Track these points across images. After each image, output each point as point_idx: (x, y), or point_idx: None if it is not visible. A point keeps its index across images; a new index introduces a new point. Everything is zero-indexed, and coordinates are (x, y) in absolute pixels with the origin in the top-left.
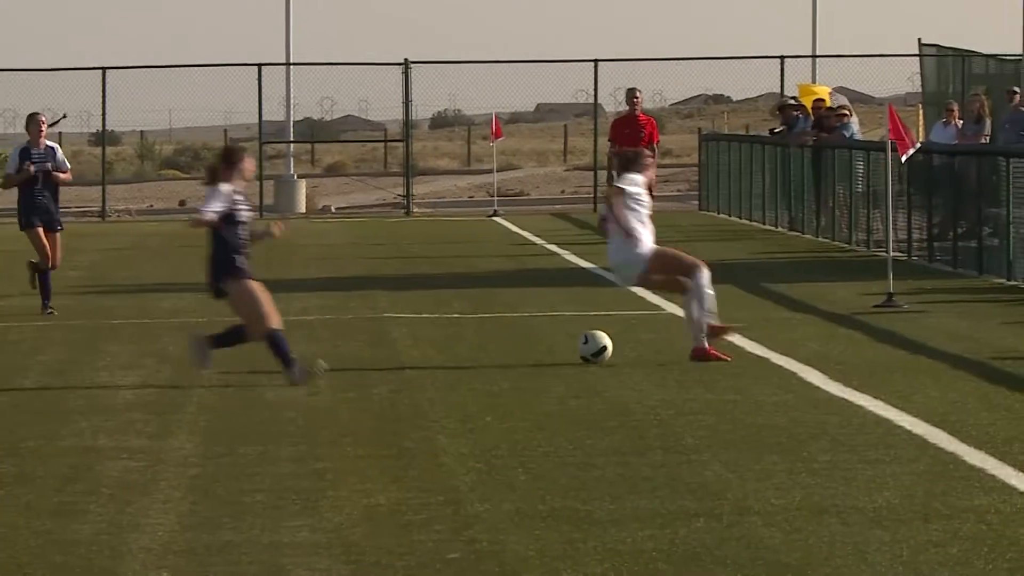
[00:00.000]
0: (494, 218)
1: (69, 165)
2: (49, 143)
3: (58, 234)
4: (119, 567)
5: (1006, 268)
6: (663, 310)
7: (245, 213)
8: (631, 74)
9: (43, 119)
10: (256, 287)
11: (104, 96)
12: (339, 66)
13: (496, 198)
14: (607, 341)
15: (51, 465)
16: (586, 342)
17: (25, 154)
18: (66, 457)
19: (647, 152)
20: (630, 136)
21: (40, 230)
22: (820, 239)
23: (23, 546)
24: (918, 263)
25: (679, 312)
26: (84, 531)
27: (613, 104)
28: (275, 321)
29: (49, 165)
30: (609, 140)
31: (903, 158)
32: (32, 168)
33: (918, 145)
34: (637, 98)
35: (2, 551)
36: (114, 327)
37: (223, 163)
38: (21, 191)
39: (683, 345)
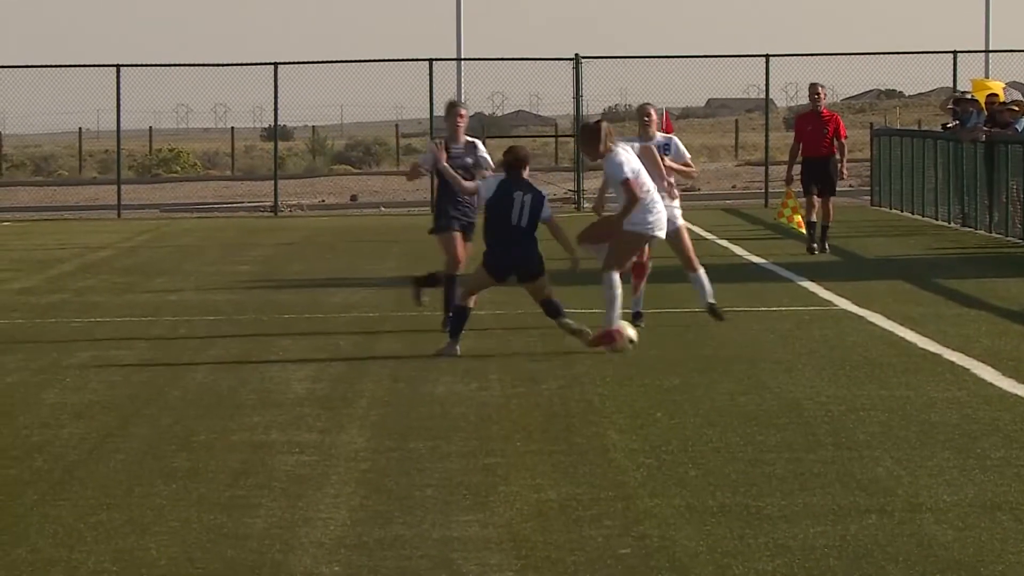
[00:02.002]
0: None
1: (492, 163)
2: (470, 138)
3: (468, 243)
4: (290, 561)
5: None
6: (835, 306)
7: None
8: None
9: (462, 110)
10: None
11: (276, 91)
12: (510, 61)
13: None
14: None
15: (223, 459)
16: None
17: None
18: (238, 451)
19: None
20: (814, 132)
21: (457, 236)
22: (993, 235)
23: (195, 540)
24: None
25: (852, 308)
26: (256, 525)
27: (784, 99)
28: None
29: (469, 161)
30: (795, 138)
31: None
32: (444, 158)
33: None
34: (819, 94)
35: (174, 545)
36: (286, 321)
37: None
38: (440, 189)
39: (855, 340)
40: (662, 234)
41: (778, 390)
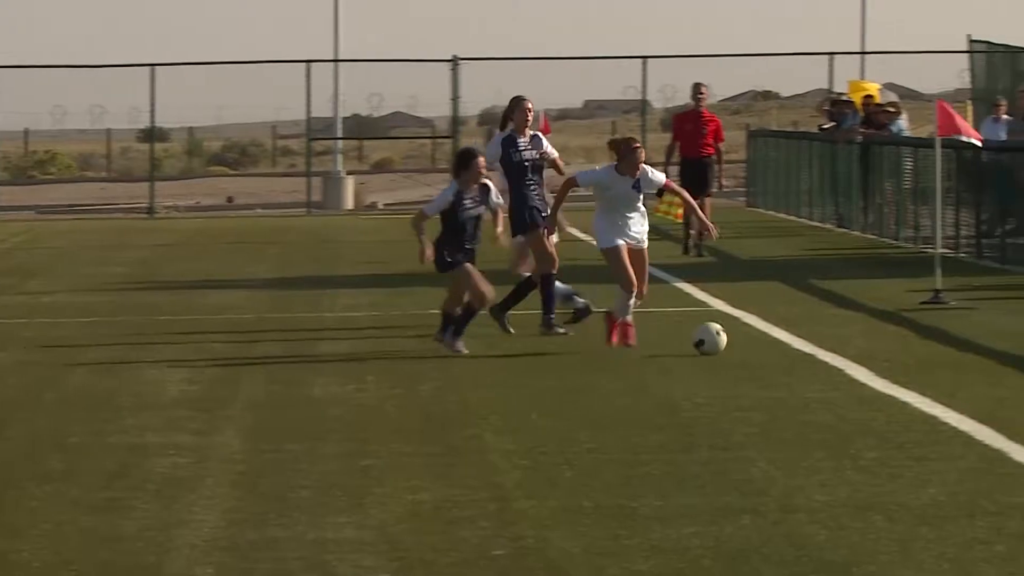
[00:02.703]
0: None
1: (557, 153)
2: (534, 132)
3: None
4: (165, 563)
5: None
6: (710, 307)
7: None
8: (679, 70)
9: (530, 103)
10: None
11: (153, 92)
12: (387, 63)
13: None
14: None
15: (98, 461)
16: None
17: (509, 142)
18: (113, 453)
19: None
20: (693, 132)
21: (541, 232)
22: (868, 235)
23: (70, 542)
24: (966, 260)
25: (728, 309)
26: (130, 527)
27: (661, 100)
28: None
29: (535, 155)
30: (673, 136)
31: (976, 141)
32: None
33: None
34: (703, 93)
35: (49, 547)
36: (162, 323)
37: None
38: (511, 186)
39: (731, 341)
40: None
41: (655, 391)
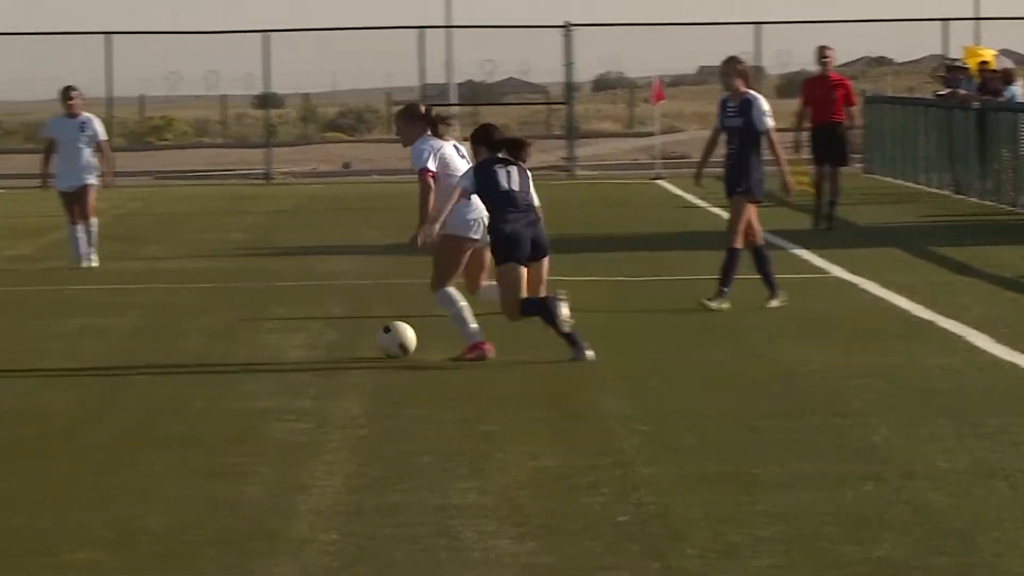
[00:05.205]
0: (657, 181)
1: (771, 123)
2: (748, 93)
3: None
4: (287, 528)
5: None
6: (828, 274)
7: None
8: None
9: (741, 66)
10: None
11: (267, 58)
12: (500, 28)
13: (659, 161)
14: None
15: (218, 427)
16: (387, 331)
17: (723, 107)
18: (233, 419)
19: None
20: (822, 98)
21: (744, 201)
22: (985, 202)
23: (192, 508)
24: None
25: (845, 275)
26: (252, 492)
27: (776, 67)
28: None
29: (740, 121)
30: (802, 102)
31: None
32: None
33: None
34: (827, 56)
35: (172, 512)
36: (278, 289)
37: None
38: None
39: (849, 308)
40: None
41: (772, 357)
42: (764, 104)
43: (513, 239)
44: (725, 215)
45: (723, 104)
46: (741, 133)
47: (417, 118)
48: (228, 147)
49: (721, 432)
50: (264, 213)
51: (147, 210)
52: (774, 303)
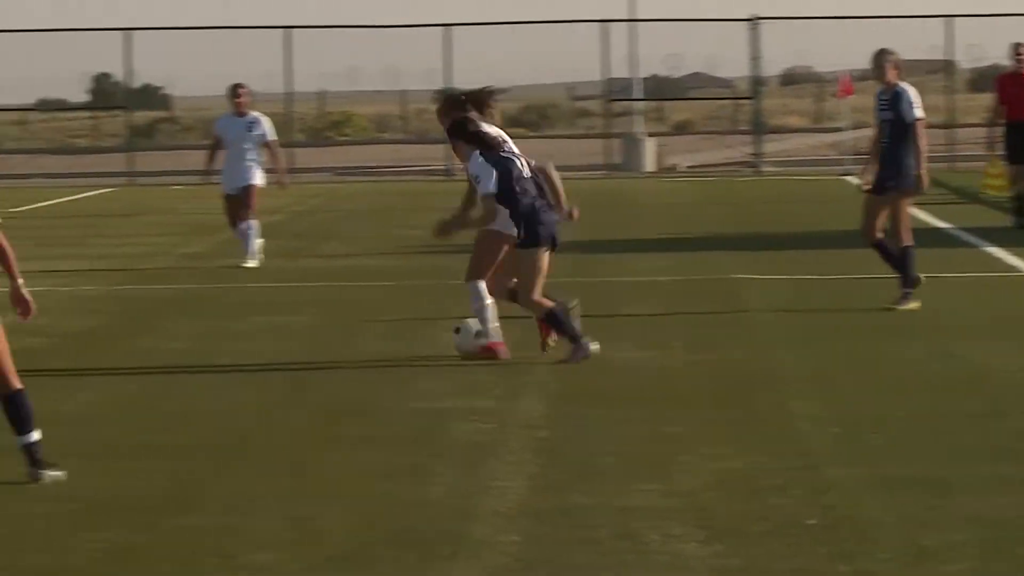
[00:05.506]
0: (845, 177)
1: (919, 114)
2: (899, 85)
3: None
4: (470, 530)
5: None
6: (1021, 272)
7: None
8: (985, 30)
9: (893, 57)
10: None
11: (448, 53)
12: (685, 22)
13: (847, 157)
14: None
15: (397, 426)
16: (458, 332)
17: (877, 100)
18: (412, 418)
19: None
20: (1016, 95)
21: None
22: None
23: (373, 508)
24: None
25: None
26: (433, 493)
27: (969, 61)
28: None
29: (891, 114)
30: (997, 99)
31: None
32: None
33: None
34: (1022, 54)
35: (352, 512)
36: (455, 287)
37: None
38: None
39: None
40: None
41: (964, 358)
42: (913, 95)
43: (547, 225)
44: (914, 211)
45: (877, 97)
46: (893, 126)
47: (460, 112)
48: (408, 143)
49: (913, 434)
50: (442, 210)
51: (326, 207)
52: (903, 305)
